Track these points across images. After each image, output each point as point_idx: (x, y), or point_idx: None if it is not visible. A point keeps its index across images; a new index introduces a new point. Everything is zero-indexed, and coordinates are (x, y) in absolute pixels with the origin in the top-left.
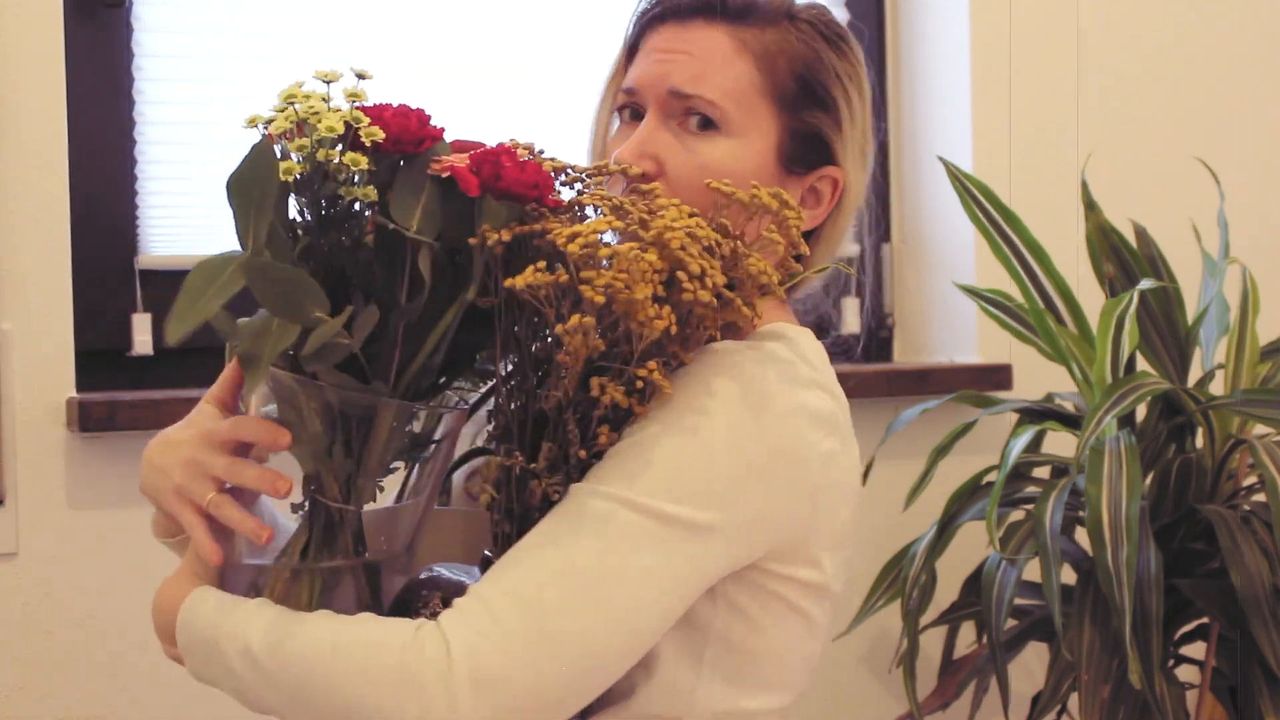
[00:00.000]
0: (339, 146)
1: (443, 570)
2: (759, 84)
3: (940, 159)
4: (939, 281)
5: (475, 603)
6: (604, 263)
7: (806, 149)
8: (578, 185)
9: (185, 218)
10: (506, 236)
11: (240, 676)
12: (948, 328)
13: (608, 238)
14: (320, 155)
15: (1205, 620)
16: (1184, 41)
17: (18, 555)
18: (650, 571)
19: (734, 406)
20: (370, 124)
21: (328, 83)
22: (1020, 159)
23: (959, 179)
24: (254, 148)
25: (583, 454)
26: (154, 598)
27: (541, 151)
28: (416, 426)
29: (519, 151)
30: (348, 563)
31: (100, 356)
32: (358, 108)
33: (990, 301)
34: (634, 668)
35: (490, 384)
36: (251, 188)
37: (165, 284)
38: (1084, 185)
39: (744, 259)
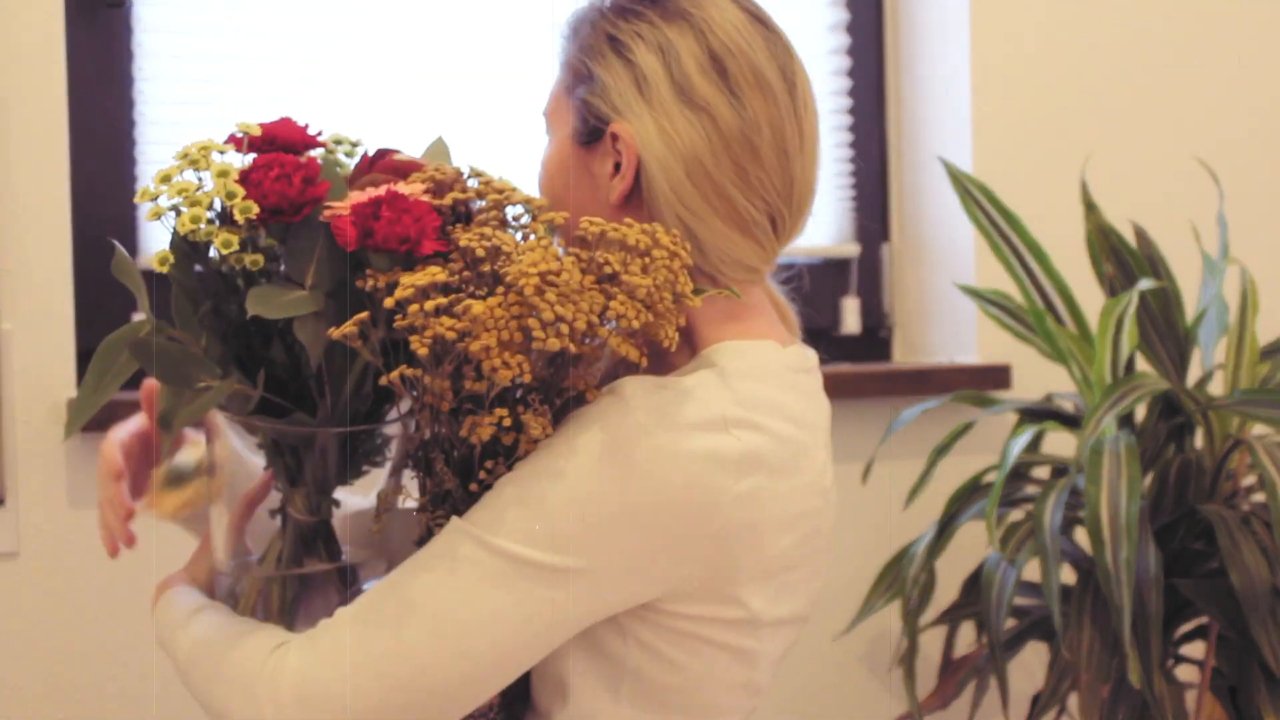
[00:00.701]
0: (217, 223)
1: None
2: (563, 84)
3: (940, 159)
4: (939, 281)
5: (326, 623)
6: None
7: (588, 121)
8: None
9: None
10: (383, 283)
11: (178, 671)
12: (947, 328)
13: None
14: (200, 236)
15: (1205, 620)
16: (1184, 42)
17: (18, 555)
18: (496, 609)
19: (597, 461)
20: (245, 197)
21: (215, 153)
22: (1020, 159)
23: (959, 179)
24: (120, 250)
25: (474, 488)
26: (154, 589)
27: (468, 178)
28: (373, 441)
29: (420, 188)
30: (320, 567)
31: None
32: (237, 180)
33: (990, 301)
34: (549, 694)
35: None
36: (129, 276)
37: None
38: (1084, 185)
39: (609, 300)
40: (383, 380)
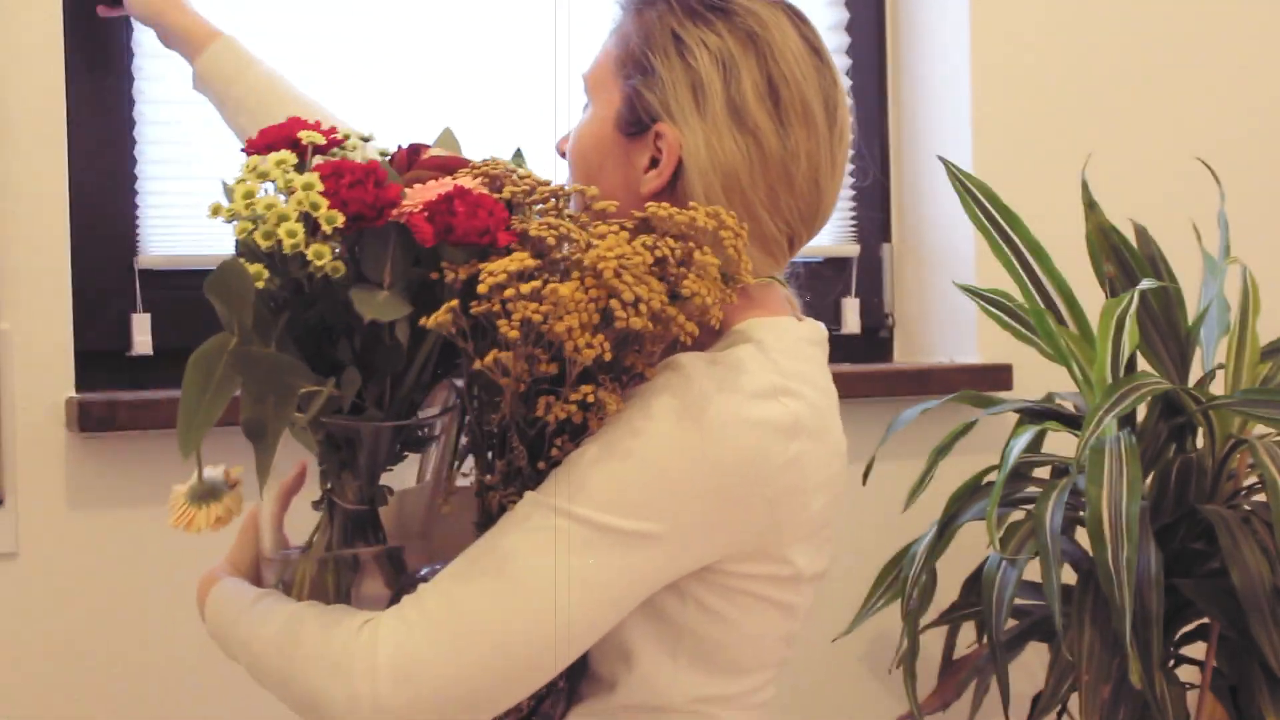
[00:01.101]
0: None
1: (439, 567)
2: (614, 59)
3: (940, 159)
4: (939, 281)
5: (412, 598)
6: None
7: (636, 112)
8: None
9: (185, 217)
10: (464, 275)
11: (243, 660)
12: (948, 328)
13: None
14: (288, 248)
15: (1205, 620)
16: (1184, 41)
17: (18, 555)
18: (583, 575)
19: (673, 425)
20: (328, 207)
21: (290, 169)
22: (1020, 159)
23: (959, 179)
24: (224, 265)
25: (541, 465)
26: (198, 583)
27: (513, 172)
28: (417, 430)
29: (477, 182)
30: (368, 551)
31: (100, 356)
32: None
33: (990, 301)
34: (612, 661)
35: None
36: (230, 294)
37: (165, 284)
38: (1084, 185)
39: (680, 280)
40: (476, 365)
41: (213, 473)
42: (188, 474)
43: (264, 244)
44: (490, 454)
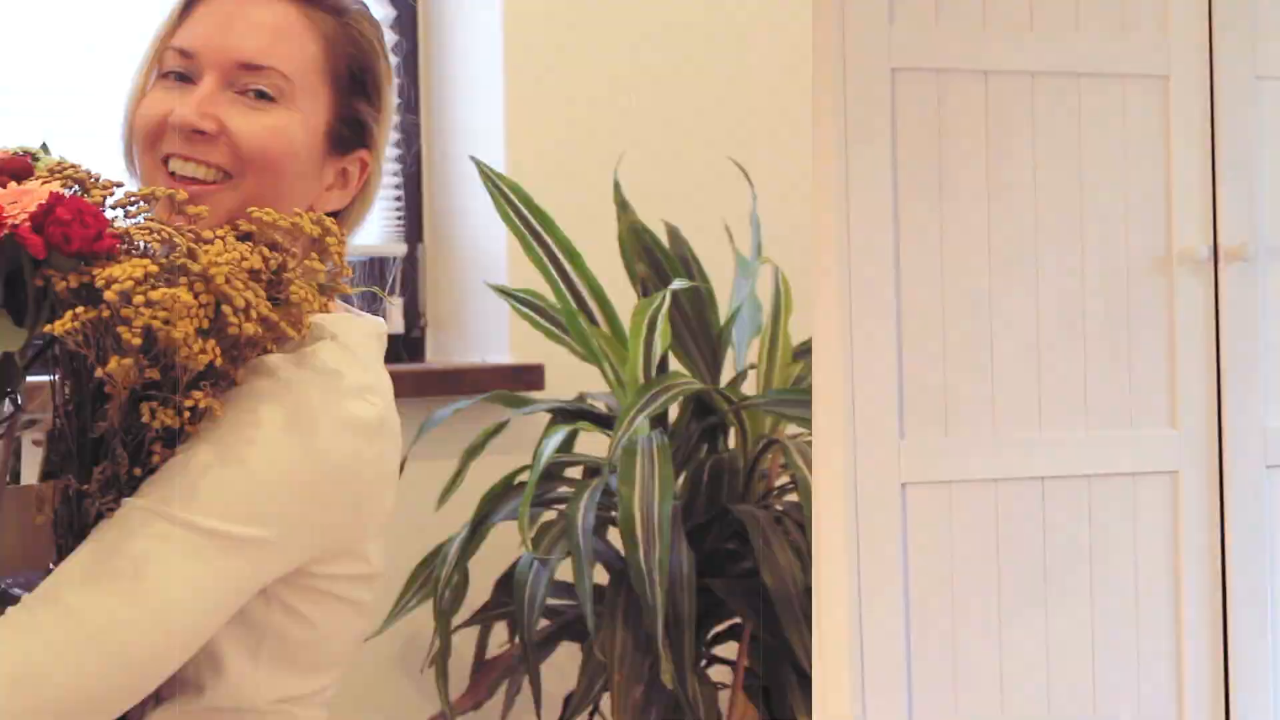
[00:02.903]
0: None
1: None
2: (321, 65)
3: (472, 158)
4: (471, 281)
5: (19, 609)
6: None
7: (349, 133)
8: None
9: None
10: (74, 283)
11: None
12: (480, 327)
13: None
14: None
15: (738, 620)
16: (722, 39)
17: None
18: (186, 577)
19: (280, 433)
20: None
21: None
22: (554, 159)
23: (491, 179)
24: None
25: (137, 472)
26: None
27: (92, 176)
28: None
29: (57, 186)
30: None
31: None
32: None
33: (522, 301)
34: (201, 665)
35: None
36: None
37: None
38: (616, 185)
39: (288, 285)
40: (98, 373)
41: None
42: None
43: None
44: (86, 461)
